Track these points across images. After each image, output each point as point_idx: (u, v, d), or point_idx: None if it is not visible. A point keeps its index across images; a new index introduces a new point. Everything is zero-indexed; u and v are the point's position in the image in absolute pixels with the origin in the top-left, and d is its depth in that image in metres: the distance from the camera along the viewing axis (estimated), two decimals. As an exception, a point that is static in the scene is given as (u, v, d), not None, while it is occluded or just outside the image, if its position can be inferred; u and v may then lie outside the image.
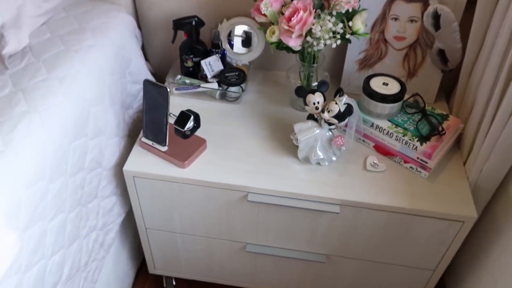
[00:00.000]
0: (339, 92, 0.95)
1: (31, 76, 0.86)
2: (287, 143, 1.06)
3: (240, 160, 1.01)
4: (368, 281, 1.15)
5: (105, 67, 0.98)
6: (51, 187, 0.80)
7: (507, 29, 0.85)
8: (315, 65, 1.05)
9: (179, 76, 1.18)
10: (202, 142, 1.03)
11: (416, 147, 0.96)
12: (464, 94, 1.07)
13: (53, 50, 0.93)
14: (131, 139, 1.12)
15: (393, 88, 1.01)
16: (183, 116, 0.94)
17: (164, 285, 1.35)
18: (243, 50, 1.21)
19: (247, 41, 1.21)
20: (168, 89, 0.92)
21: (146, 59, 1.29)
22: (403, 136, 0.98)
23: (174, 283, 1.36)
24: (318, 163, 1.01)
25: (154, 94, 0.95)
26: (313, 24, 0.91)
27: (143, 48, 1.28)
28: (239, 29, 1.19)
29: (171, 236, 1.14)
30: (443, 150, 0.99)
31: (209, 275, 1.26)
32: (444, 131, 0.98)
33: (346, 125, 1.00)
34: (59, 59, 0.91)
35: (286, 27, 0.91)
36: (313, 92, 0.97)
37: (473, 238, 1.12)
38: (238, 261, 1.17)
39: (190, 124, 0.94)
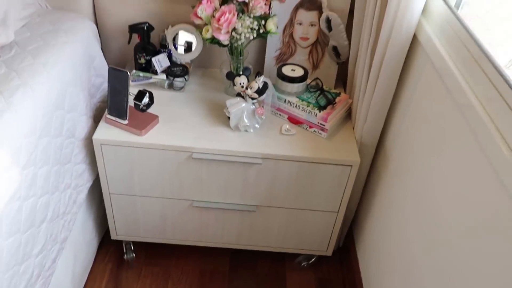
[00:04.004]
0: (258, 74, 1.28)
1: (20, 62, 1.11)
2: (222, 118, 1.37)
3: (185, 130, 1.31)
4: (292, 227, 1.46)
5: (76, 58, 1.25)
6: (40, 142, 1.04)
7: (368, 29, 1.23)
8: (241, 57, 1.38)
9: (134, 71, 1.46)
10: (155, 117, 1.31)
11: (316, 114, 1.31)
12: (353, 79, 1.44)
13: (34, 44, 1.19)
14: (95, 123, 1.38)
15: (299, 72, 1.36)
16: (140, 93, 1.23)
17: (124, 250, 1.58)
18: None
19: (188, 50, 1.50)
20: (128, 73, 1.21)
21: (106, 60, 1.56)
22: (307, 107, 1.32)
23: (132, 248, 1.59)
24: (246, 130, 1.32)
25: (117, 78, 1.23)
26: (236, 23, 1.24)
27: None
28: (182, 37, 1.48)
29: (131, 199, 1.39)
30: (336, 116, 1.34)
31: (163, 237, 1.51)
32: (335, 102, 1.33)
33: (264, 101, 1.33)
34: (41, 50, 1.17)
35: (217, 26, 1.24)
36: (239, 75, 1.29)
37: (365, 192, 1.48)
38: (187, 218, 1.45)
39: (146, 99, 1.23)
